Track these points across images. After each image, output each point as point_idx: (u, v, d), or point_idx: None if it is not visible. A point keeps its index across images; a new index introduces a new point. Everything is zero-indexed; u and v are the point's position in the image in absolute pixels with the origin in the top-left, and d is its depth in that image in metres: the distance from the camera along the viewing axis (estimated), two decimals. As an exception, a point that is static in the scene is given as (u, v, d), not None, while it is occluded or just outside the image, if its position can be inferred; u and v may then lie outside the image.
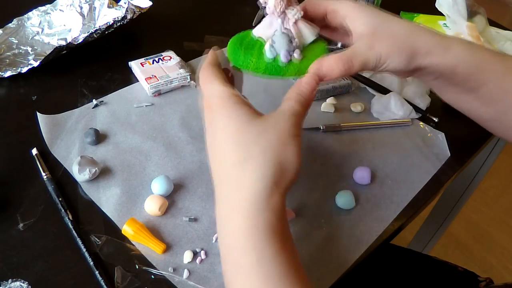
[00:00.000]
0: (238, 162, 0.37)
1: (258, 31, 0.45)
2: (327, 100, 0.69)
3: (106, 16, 0.75)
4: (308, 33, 0.45)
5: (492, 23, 0.89)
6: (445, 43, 0.45)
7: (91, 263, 0.45)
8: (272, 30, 0.44)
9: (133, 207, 0.51)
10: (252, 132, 0.38)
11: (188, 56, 0.73)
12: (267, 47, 0.43)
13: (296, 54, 0.43)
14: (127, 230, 0.48)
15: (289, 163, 0.38)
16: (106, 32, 0.70)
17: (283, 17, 0.44)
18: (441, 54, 0.44)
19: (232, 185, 0.38)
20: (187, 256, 0.47)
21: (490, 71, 0.46)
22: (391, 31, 0.44)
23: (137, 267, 0.46)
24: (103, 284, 0.44)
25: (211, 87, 0.41)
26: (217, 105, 0.40)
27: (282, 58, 0.43)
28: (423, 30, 0.45)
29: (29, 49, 0.71)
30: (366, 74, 0.73)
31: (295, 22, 0.44)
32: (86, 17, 0.76)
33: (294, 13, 0.44)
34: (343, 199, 0.54)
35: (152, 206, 0.50)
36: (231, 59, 0.46)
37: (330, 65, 0.42)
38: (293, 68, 0.44)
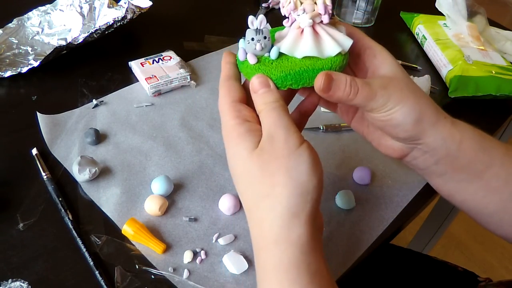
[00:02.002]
0: (253, 204, 0.37)
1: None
2: (327, 100, 0.69)
3: (106, 16, 0.75)
4: (302, 47, 0.40)
5: (492, 23, 0.89)
6: (451, 119, 0.43)
7: (91, 263, 0.45)
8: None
9: (133, 207, 0.51)
10: (254, 169, 0.37)
11: (188, 56, 0.73)
12: (241, 40, 0.42)
13: (248, 56, 0.40)
14: (127, 230, 0.48)
15: (304, 185, 0.36)
16: (106, 32, 0.70)
17: (292, 19, 0.41)
18: (449, 127, 0.43)
19: (254, 221, 0.38)
20: (187, 256, 0.47)
21: (493, 149, 0.44)
22: (409, 85, 0.42)
23: (137, 267, 0.46)
24: (103, 284, 0.44)
25: (221, 113, 0.40)
26: (224, 139, 0.40)
27: (238, 54, 0.41)
28: (434, 104, 0.43)
29: (29, 49, 0.71)
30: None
31: (302, 29, 0.40)
32: (86, 17, 0.76)
33: (302, 18, 0.40)
34: (343, 199, 0.54)
35: (152, 206, 0.50)
36: None
37: (337, 80, 0.39)
38: (245, 69, 0.41)
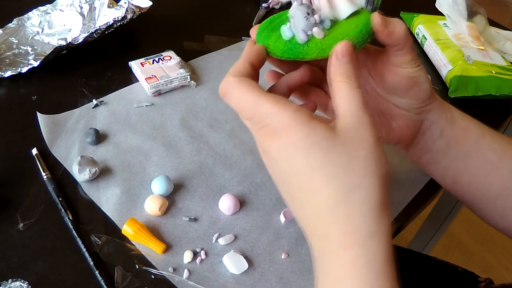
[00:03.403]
0: (338, 198, 0.33)
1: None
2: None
3: (106, 16, 0.75)
4: (342, 4, 0.39)
5: (492, 23, 0.89)
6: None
7: (91, 263, 0.45)
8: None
9: (133, 207, 0.51)
10: (341, 158, 0.32)
11: (188, 56, 0.73)
12: (284, 26, 0.39)
13: (315, 30, 0.37)
14: (127, 230, 0.48)
15: (386, 175, 0.33)
16: (106, 32, 0.70)
17: None
18: (441, 101, 0.47)
19: (337, 218, 0.33)
20: (187, 256, 0.47)
21: (480, 124, 0.48)
22: None
23: (137, 267, 0.46)
24: (103, 284, 0.44)
25: (256, 109, 0.34)
26: (282, 135, 0.33)
27: (298, 36, 0.38)
28: None
29: (29, 49, 0.71)
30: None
31: None
32: (86, 17, 0.76)
33: None
34: (343, 199, 0.54)
35: (152, 206, 0.50)
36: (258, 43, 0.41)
37: (388, 19, 0.39)
38: (314, 48, 0.37)
